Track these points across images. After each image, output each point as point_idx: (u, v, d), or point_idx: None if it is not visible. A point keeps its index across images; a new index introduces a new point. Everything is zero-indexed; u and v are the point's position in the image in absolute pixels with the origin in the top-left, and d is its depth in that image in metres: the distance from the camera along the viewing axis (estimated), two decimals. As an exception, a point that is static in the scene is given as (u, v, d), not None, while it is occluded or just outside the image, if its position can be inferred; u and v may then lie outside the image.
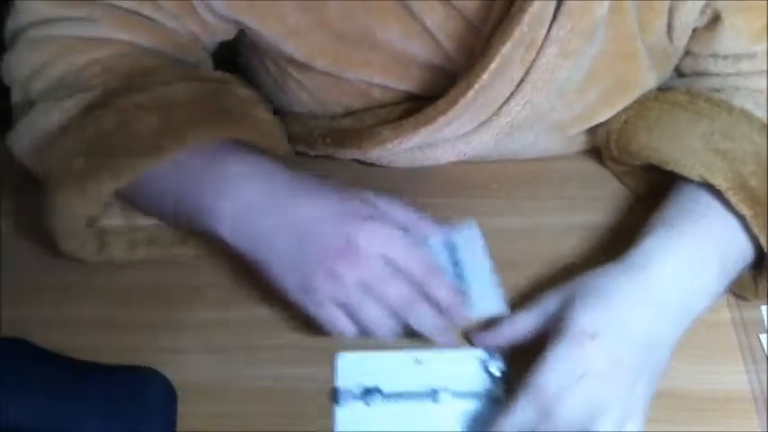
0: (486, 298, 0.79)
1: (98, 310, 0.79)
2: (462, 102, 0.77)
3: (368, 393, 0.74)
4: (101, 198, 0.74)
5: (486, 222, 0.84)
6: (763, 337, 0.79)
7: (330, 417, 0.73)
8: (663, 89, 0.86)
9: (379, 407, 0.73)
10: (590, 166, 0.92)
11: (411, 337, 0.74)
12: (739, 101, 0.81)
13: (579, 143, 0.90)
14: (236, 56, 0.93)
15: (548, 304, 0.73)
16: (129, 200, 0.79)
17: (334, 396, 0.74)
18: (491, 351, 0.76)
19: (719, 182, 0.75)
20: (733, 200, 0.74)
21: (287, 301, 0.78)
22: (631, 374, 0.68)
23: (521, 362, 0.72)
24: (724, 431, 0.73)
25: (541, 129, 0.85)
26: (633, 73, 0.82)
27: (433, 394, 0.74)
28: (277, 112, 0.87)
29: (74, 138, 0.76)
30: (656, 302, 0.71)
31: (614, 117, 0.85)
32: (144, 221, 0.80)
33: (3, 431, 0.66)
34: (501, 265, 0.82)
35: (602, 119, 0.85)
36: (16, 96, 0.81)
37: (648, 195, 0.83)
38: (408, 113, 0.82)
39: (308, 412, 0.74)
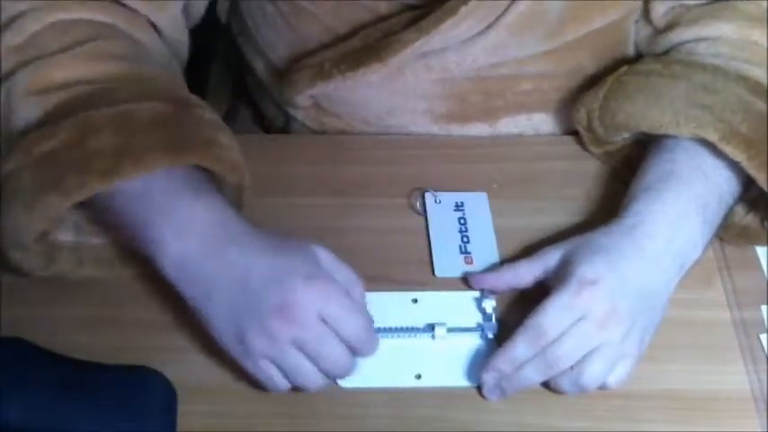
0: (486, 253, 0.84)
1: (98, 310, 0.79)
2: None
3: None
4: (49, 215, 0.72)
5: (486, 222, 0.85)
6: (763, 337, 0.79)
7: (331, 417, 0.73)
8: (634, 62, 0.90)
9: (378, 341, 0.75)
10: (590, 167, 0.92)
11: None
12: (709, 58, 0.85)
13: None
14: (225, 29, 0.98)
15: (549, 257, 0.77)
16: (88, 213, 0.77)
17: None
18: (485, 291, 0.80)
19: (710, 135, 0.79)
20: (726, 149, 0.78)
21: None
22: (626, 321, 0.72)
23: (511, 304, 0.80)
24: (724, 431, 0.73)
25: (541, 33, 0.88)
26: None
27: (429, 329, 0.77)
28: (286, 63, 0.93)
29: (26, 150, 0.73)
30: (650, 258, 0.76)
31: (592, 96, 0.88)
32: (94, 239, 0.79)
33: (3, 431, 0.66)
34: (501, 264, 0.82)
35: (594, 24, 0.89)
36: None
37: (631, 174, 0.85)
38: (412, 21, 0.85)
39: (308, 412, 0.74)
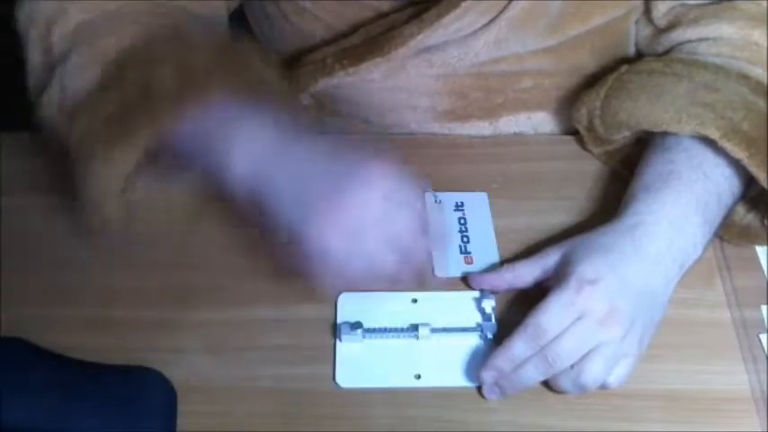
0: (486, 253, 0.84)
1: (97, 310, 0.79)
2: None
3: (367, 329, 0.77)
4: (126, 167, 0.75)
5: (486, 222, 0.85)
6: (763, 337, 0.79)
7: (330, 418, 0.73)
8: (634, 62, 0.90)
9: (377, 341, 0.77)
10: (590, 166, 0.92)
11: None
12: (710, 57, 0.85)
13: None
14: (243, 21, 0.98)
15: (549, 257, 0.78)
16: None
17: (335, 332, 0.77)
18: (485, 291, 0.80)
19: (712, 132, 0.79)
20: (727, 146, 0.79)
21: (286, 300, 0.77)
22: (626, 321, 0.72)
23: (511, 304, 0.80)
24: (724, 431, 0.73)
25: (542, 28, 0.88)
26: None
27: (429, 329, 0.77)
28: (288, 62, 0.93)
29: (93, 110, 0.76)
30: (650, 258, 0.76)
31: (593, 95, 0.89)
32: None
33: (3, 431, 0.66)
34: (501, 264, 0.82)
35: (594, 22, 0.89)
36: (34, 43, 0.81)
37: (631, 174, 0.85)
38: (414, 16, 0.86)
39: (309, 412, 0.74)
